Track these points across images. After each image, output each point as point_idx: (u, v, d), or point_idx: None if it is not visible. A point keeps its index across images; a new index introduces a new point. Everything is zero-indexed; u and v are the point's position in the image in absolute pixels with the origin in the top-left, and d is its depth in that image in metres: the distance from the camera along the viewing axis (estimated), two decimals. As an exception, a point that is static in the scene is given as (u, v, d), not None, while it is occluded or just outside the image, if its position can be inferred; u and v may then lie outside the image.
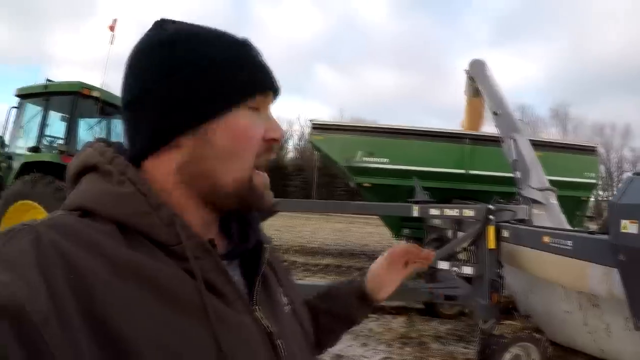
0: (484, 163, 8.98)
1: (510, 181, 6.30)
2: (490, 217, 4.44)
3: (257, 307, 0.73)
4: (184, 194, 0.71)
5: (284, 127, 61.39)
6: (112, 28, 8.68)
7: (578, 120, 54.40)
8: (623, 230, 2.46)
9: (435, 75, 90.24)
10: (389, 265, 1.13)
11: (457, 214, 4.96)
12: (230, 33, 0.76)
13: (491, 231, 4.44)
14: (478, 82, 7.83)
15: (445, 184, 9.02)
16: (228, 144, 0.70)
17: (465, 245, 4.91)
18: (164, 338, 0.57)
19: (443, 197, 7.80)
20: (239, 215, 0.83)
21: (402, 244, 1.19)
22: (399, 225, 9.80)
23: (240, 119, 0.71)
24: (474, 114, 9.99)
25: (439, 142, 9.34)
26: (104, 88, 8.25)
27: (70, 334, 0.51)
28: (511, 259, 4.33)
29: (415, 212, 5.16)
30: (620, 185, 2.94)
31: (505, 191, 6.96)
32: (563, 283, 3.62)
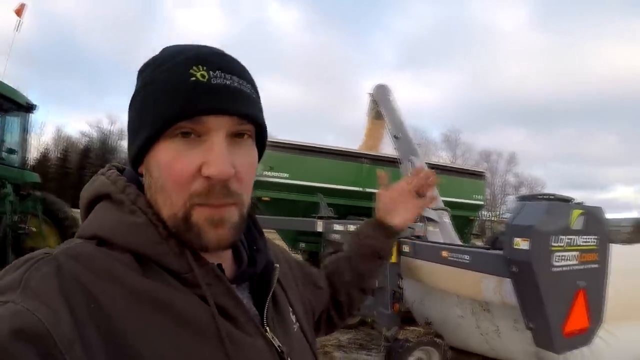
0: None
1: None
2: (393, 233, 4.73)
3: (267, 327, 0.75)
4: None
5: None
6: (18, 13, 7.58)
7: (467, 145, 58.40)
8: (516, 247, 2.84)
9: (338, 93, 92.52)
10: (392, 193, 1.21)
11: (361, 230, 5.21)
12: (186, 50, 0.69)
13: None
14: (381, 106, 8.25)
15: (344, 200, 9.33)
16: (159, 177, 0.67)
17: (367, 259, 5.20)
18: None
19: (342, 213, 8.09)
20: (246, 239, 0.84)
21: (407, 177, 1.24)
22: (295, 239, 9.96)
23: (164, 151, 0.66)
24: (374, 135, 10.46)
25: (338, 160, 9.63)
26: (5, 81, 7.39)
27: (92, 358, 0.53)
28: (410, 272, 4.68)
29: (320, 227, 5.40)
30: (513, 209, 3.38)
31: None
32: (459, 293, 4.00)
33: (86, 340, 0.53)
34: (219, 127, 0.66)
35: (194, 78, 0.65)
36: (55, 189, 32.93)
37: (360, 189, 9.55)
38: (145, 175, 0.71)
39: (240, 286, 0.78)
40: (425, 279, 4.48)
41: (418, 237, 5.20)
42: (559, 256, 2.72)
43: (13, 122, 8.00)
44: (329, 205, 7.88)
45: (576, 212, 2.78)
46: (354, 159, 9.73)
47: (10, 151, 7.92)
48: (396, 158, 7.24)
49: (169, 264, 0.66)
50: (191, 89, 0.64)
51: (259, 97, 0.74)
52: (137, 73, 0.73)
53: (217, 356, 0.63)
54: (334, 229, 5.50)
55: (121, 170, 0.77)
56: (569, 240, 2.75)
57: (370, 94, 9.25)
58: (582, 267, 2.79)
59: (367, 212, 8.86)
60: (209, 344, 0.63)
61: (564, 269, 2.73)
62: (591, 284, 2.75)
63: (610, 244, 2.99)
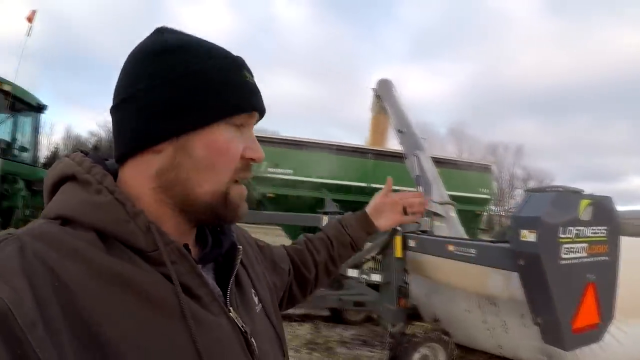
0: (385, 177, 9.34)
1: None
2: (398, 228, 4.69)
3: (231, 307, 0.77)
4: (160, 200, 0.73)
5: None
6: (29, 19, 8.07)
7: (473, 139, 57.73)
8: (523, 239, 2.76)
9: (347, 87, 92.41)
10: (387, 199, 1.43)
11: (366, 225, 5.16)
12: (224, 49, 0.78)
13: (398, 241, 4.71)
14: (385, 101, 8.17)
15: (349, 196, 9.28)
16: (206, 157, 0.72)
17: (373, 254, 5.17)
18: (145, 339, 0.61)
19: (347, 209, 8.02)
20: (211, 225, 0.86)
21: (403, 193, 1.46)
22: (298, 234, 9.92)
23: (220, 135, 0.73)
24: (379, 131, 10.39)
25: (343, 156, 9.57)
26: (17, 82, 7.75)
27: (55, 337, 0.53)
28: (416, 266, 4.62)
29: (325, 222, 5.36)
30: (519, 200, 3.30)
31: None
32: (465, 287, 3.92)
33: (49, 319, 0.54)
34: (254, 121, 0.80)
35: (246, 79, 0.77)
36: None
37: (366, 185, 9.48)
38: (174, 154, 0.72)
39: (205, 267, 0.80)
40: (432, 274, 4.41)
41: (424, 231, 5.15)
42: (568, 248, 2.64)
43: (25, 121, 8.43)
44: (334, 201, 7.83)
45: (584, 202, 2.69)
46: (359, 155, 9.67)
47: (22, 149, 8.36)
48: (401, 153, 7.15)
49: (135, 242, 0.66)
50: (247, 88, 0.77)
51: None
52: (155, 53, 0.74)
53: (181, 334, 0.65)
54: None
55: (85, 154, 0.76)
56: (578, 232, 2.67)
57: (373, 89, 9.17)
58: (591, 259, 2.70)
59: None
60: (173, 322, 0.65)
61: (573, 261, 2.64)
62: (601, 277, 2.67)
63: (621, 236, 2.91)
